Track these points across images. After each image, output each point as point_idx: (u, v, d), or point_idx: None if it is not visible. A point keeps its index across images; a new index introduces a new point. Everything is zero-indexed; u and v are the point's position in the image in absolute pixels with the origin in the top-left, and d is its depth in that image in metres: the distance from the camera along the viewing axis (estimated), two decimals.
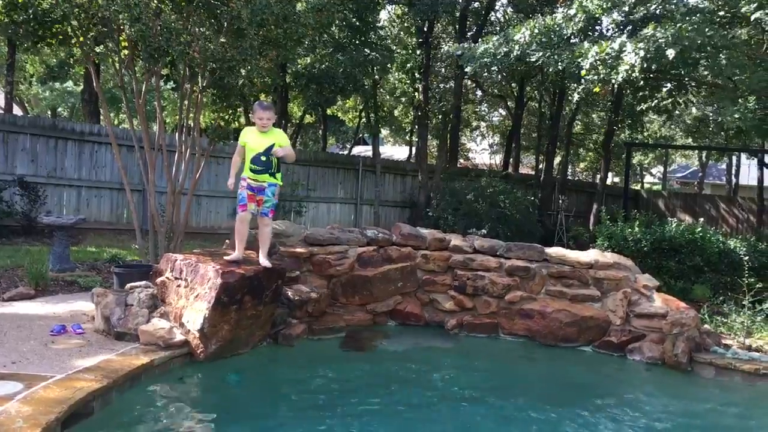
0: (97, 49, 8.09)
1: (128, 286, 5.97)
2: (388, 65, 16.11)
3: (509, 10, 19.42)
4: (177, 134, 8.58)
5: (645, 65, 7.88)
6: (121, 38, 7.56)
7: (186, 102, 8.26)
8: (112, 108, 22.08)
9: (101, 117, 16.02)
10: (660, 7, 8.64)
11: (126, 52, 7.64)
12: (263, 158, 5.90)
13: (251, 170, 5.94)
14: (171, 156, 8.82)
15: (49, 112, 27.32)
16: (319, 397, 5.08)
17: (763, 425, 5.31)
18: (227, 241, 7.47)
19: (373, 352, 6.43)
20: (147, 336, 5.30)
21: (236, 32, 7.51)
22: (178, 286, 5.76)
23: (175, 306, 5.70)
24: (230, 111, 8.66)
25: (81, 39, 7.55)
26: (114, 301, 5.69)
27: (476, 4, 17.50)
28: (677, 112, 17.01)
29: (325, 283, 7.13)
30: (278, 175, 6.02)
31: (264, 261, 5.93)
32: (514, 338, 7.23)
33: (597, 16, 9.35)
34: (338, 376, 5.61)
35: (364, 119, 21.65)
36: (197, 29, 7.44)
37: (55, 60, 17.91)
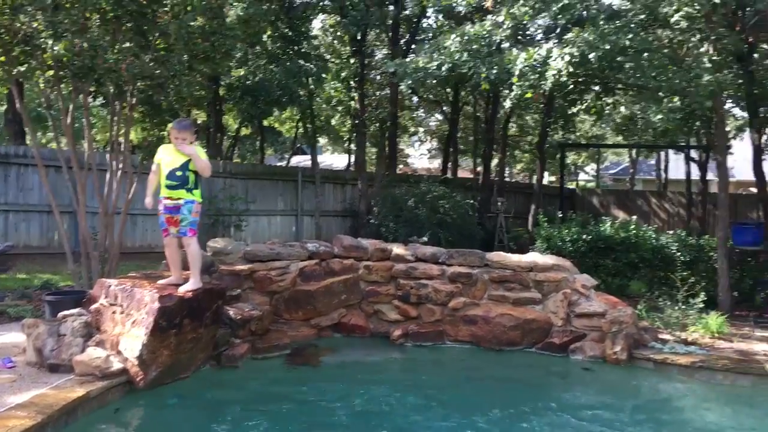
0: (20, 69, 7.77)
1: (61, 314, 5.74)
2: (323, 75, 16.07)
3: (440, 17, 19.64)
4: (108, 153, 8.33)
5: (571, 69, 8.06)
6: (45, 56, 7.29)
7: (116, 119, 8.03)
8: (38, 127, 21.29)
9: (27, 137, 15.42)
10: (584, 11, 8.86)
11: (51, 72, 7.35)
12: (179, 173, 5.67)
13: (167, 186, 5.72)
14: (102, 175, 8.55)
15: None
16: (261, 417, 4.98)
17: (697, 416, 5.49)
18: (164, 261, 7.28)
19: (319, 367, 6.37)
20: (82, 366, 5.11)
21: (164, 48, 7.35)
22: (114, 312, 5.57)
23: (111, 333, 5.51)
24: (161, 126, 8.48)
25: (2, 59, 7.24)
26: (46, 331, 5.46)
27: (407, 12, 17.62)
28: (606, 111, 17.50)
29: (268, 300, 7.03)
30: (196, 192, 5.73)
31: (190, 284, 5.67)
32: (460, 345, 7.27)
33: (525, 21, 9.53)
34: (282, 395, 5.51)
35: (301, 129, 21.52)
36: (125, 45, 7.24)
37: None
